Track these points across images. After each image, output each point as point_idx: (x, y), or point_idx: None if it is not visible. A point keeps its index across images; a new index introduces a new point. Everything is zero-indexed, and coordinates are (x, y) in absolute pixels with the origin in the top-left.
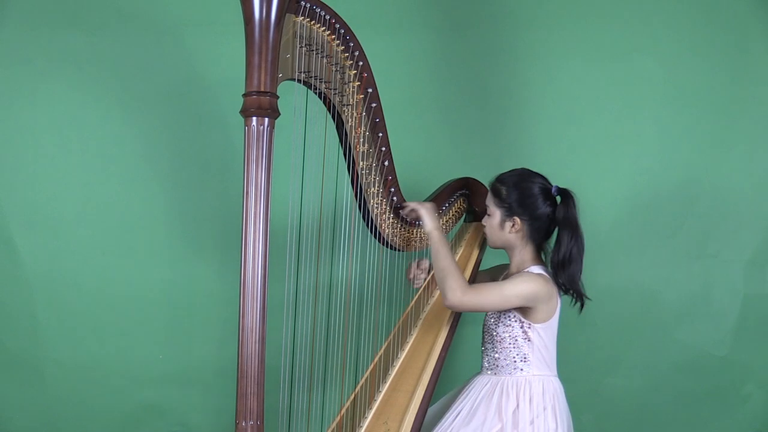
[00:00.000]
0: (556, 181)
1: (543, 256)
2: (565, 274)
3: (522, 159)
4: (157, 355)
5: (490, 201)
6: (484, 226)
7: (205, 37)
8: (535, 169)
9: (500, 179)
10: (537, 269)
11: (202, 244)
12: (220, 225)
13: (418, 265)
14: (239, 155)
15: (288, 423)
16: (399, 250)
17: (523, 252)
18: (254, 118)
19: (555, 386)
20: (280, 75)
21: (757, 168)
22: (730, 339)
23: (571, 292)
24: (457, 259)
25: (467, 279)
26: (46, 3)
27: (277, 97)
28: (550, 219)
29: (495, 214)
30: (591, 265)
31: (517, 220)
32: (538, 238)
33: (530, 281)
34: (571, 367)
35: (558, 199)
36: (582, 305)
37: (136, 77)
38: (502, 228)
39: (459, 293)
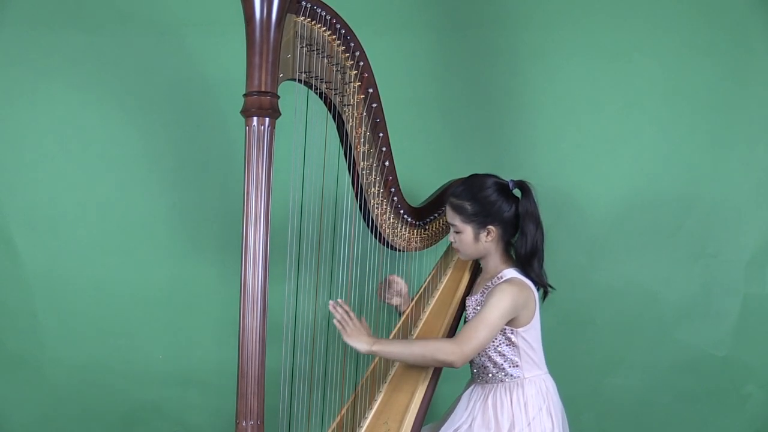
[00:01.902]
0: (557, 181)
1: (512, 253)
2: (533, 266)
3: (522, 159)
4: (157, 355)
5: (454, 219)
6: (453, 242)
7: (205, 37)
8: (535, 169)
9: (457, 195)
10: (510, 272)
11: (203, 244)
12: (220, 225)
13: (386, 287)
14: (240, 155)
15: (288, 423)
16: (399, 251)
17: (496, 255)
18: (255, 118)
19: (547, 384)
20: (281, 75)
21: (757, 168)
22: (730, 339)
23: (539, 284)
24: (444, 283)
25: (458, 303)
26: (46, 3)
27: (278, 97)
28: (517, 216)
29: (466, 230)
30: (591, 265)
31: (492, 228)
32: (509, 237)
33: (506, 296)
34: (571, 367)
35: (517, 192)
36: (546, 294)
37: (136, 77)
38: (478, 240)
39: (458, 351)
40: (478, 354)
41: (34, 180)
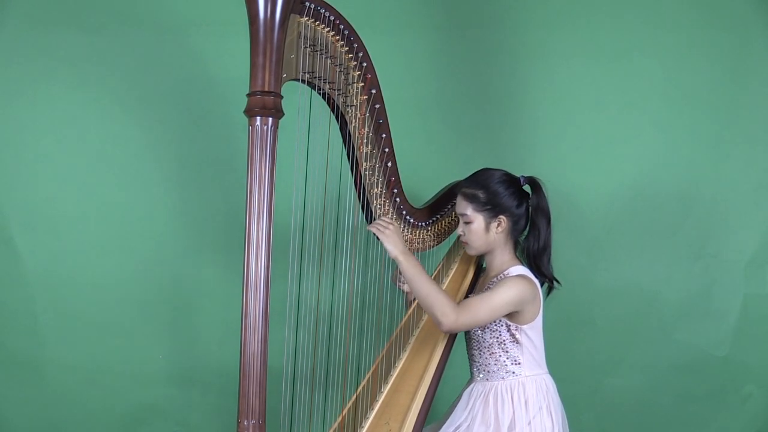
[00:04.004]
0: (557, 181)
1: (518, 253)
2: (543, 262)
3: (522, 159)
4: (157, 355)
5: (466, 208)
6: (462, 234)
7: (208, 37)
8: (535, 169)
9: (469, 185)
10: (517, 270)
11: (205, 243)
12: (223, 225)
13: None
14: (243, 155)
15: (290, 423)
16: None
17: (504, 252)
18: (258, 118)
19: (547, 383)
20: (284, 75)
21: (757, 168)
22: (730, 339)
23: (548, 279)
24: (450, 276)
25: (462, 298)
26: (47, 3)
27: (281, 97)
28: (527, 212)
29: (477, 219)
30: (591, 265)
31: (503, 218)
32: (517, 234)
33: (515, 286)
34: (571, 367)
35: (527, 189)
36: (551, 289)
37: (138, 77)
38: (488, 231)
39: (452, 317)
40: (481, 350)
41: (34, 180)
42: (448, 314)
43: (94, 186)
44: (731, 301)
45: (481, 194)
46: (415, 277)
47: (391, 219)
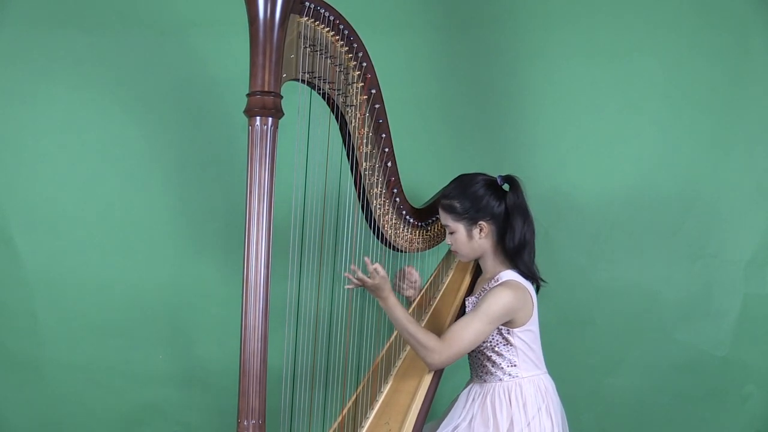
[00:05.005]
0: (557, 181)
1: None
2: (523, 259)
3: (522, 159)
4: (157, 355)
5: (447, 220)
6: (450, 244)
7: (208, 37)
8: (535, 169)
9: (446, 196)
10: (506, 275)
11: (205, 243)
12: (223, 224)
13: (402, 277)
14: (243, 155)
15: (290, 422)
16: (402, 251)
17: (495, 255)
18: (258, 118)
19: (546, 384)
20: (284, 75)
21: (756, 168)
22: (730, 339)
23: (531, 278)
24: (450, 276)
25: (459, 305)
26: (46, 3)
27: (281, 97)
28: (508, 211)
29: (459, 229)
30: (591, 265)
31: (483, 224)
32: (504, 236)
33: (500, 299)
34: (571, 367)
35: (506, 187)
36: (538, 288)
37: (138, 77)
38: (471, 238)
39: (435, 356)
40: (477, 353)
41: (34, 180)
42: (430, 356)
43: (94, 186)
44: (731, 301)
45: (456, 204)
46: (398, 321)
47: (383, 267)
